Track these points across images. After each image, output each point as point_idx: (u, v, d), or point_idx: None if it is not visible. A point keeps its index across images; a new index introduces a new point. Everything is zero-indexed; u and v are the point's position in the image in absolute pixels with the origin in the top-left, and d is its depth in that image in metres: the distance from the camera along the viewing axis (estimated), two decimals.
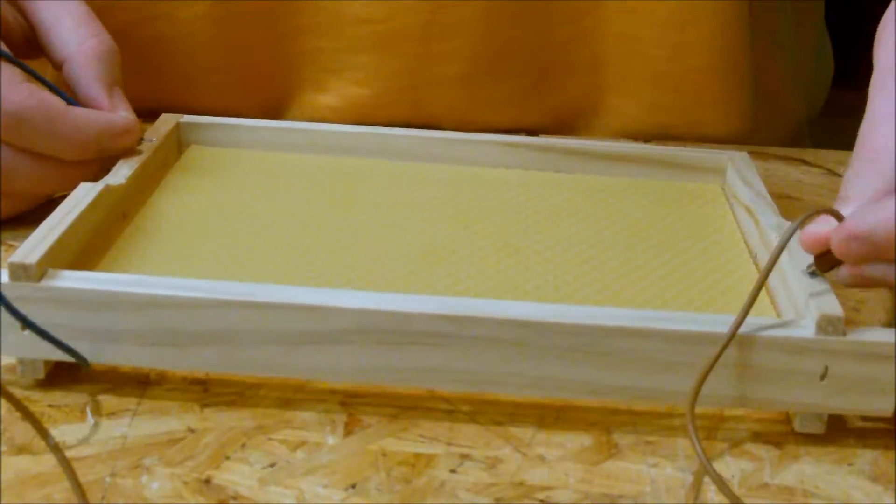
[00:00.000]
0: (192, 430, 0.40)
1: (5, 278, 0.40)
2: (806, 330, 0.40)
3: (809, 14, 0.75)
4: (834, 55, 0.79)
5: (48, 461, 0.37)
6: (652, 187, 0.56)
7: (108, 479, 0.37)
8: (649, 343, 0.39)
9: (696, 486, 0.38)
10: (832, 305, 0.40)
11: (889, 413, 0.40)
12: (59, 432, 0.39)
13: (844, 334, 0.39)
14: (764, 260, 0.47)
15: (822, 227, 0.42)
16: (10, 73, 0.49)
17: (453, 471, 0.38)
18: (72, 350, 0.40)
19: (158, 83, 0.63)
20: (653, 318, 0.40)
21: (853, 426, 0.42)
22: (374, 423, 0.40)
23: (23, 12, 0.54)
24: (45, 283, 0.40)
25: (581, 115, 0.66)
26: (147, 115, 0.57)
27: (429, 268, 0.47)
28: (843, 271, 0.41)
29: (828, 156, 0.66)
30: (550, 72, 0.65)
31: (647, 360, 0.40)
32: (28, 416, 0.34)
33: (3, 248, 0.51)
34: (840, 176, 0.63)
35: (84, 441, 0.39)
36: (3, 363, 0.42)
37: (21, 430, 0.39)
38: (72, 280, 0.40)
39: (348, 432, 0.40)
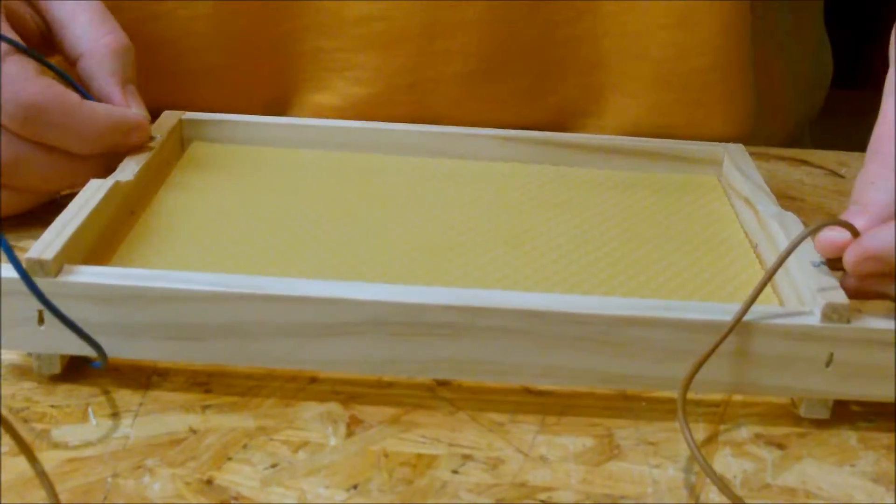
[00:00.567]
0: (194, 431, 0.40)
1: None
2: (811, 317, 0.40)
3: (808, 14, 0.75)
4: (833, 56, 0.79)
5: (48, 462, 0.37)
6: (650, 180, 0.57)
7: (109, 479, 0.37)
8: (658, 332, 0.40)
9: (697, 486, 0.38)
10: (837, 293, 0.41)
11: (892, 399, 0.41)
12: (61, 433, 0.39)
13: (849, 322, 0.40)
14: (765, 249, 0.48)
15: (840, 233, 0.42)
16: (26, 66, 0.49)
17: (455, 471, 0.38)
18: (95, 344, 0.40)
19: (159, 82, 0.63)
20: (661, 308, 0.40)
21: (855, 427, 0.42)
22: (376, 424, 0.40)
23: (38, 10, 0.54)
24: (61, 278, 0.40)
25: (582, 115, 0.66)
26: (148, 113, 0.56)
27: (433, 261, 0.48)
28: (849, 281, 0.42)
29: (829, 156, 0.66)
30: (552, 71, 0.65)
31: (655, 348, 0.40)
32: (19, 441, 0.34)
33: None
34: (841, 177, 0.63)
35: (86, 442, 0.39)
36: (3, 363, 0.42)
37: (23, 432, 0.39)
38: (88, 275, 0.40)
39: (350, 433, 0.40)
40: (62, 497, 0.36)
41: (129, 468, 0.38)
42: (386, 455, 0.39)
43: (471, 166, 0.57)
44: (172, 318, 0.40)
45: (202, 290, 0.40)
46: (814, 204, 0.59)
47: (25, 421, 0.40)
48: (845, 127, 0.83)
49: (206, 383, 0.42)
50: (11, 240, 0.51)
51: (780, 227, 0.47)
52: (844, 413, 0.42)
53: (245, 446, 0.39)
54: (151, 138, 0.53)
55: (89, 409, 0.40)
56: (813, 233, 0.42)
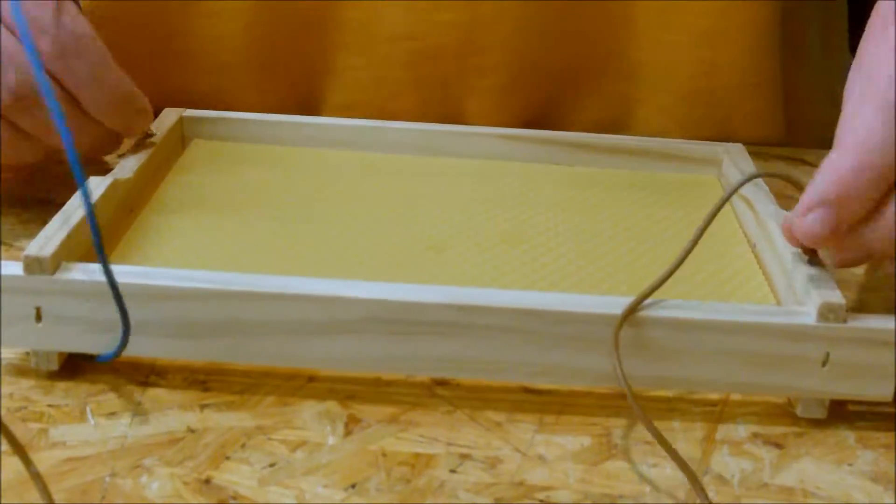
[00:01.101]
0: (191, 431, 0.40)
1: (20, 271, 0.40)
2: (808, 317, 0.40)
3: (838, 33, 0.74)
4: None
5: (47, 462, 0.37)
6: (650, 179, 0.57)
7: (107, 479, 0.37)
8: (653, 331, 0.40)
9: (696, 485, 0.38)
10: (833, 293, 0.41)
11: (889, 398, 0.41)
12: (59, 432, 0.39)
13: (845, 321, 0.40)
14: (764, 249, 0.48)
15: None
16: (76, 7, 0.48)
17: (453, 471, 0.38)
18: (127, 325, 0.40)
19: (187, 95, 0.64)
20: (657, 307, 0.40)
21: (854, 426, 0.42)
22: (374, 423, 0.40)
23: None
24: (59, 275, 0.40)
25: (612, 129, 0.66)
26: None
27: (432, 259, 0.48)
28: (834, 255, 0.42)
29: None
30: (583, 85, 0.65)
31: (651, 347, 0.40)
32: (13, 443, 0.34)
33: (3, 248, 0.51)
34: None
35: (84, 441, 0.39)
36: (1, 362, 0.42)
37: (21, 431, 0.39)
38: (86, 272, 0.40)
39: (348, 432, 0.40)
40: (60, 496, 0.36)
41: (127, 467, 0.38)
42: (384, 454, 0.39)
43: (470, 165, 0.57)
44: (170, 316, 0.40)
45: (201, 287, 0.40)
46: None
47: (23, 420, 0.39)
48: None
49: (204, 382, 0.42)
50: (10, 238, 0.51)
51: (778, 227, 0.47)
52: (842, 412, 0.42)
53: (243, 445, 0.39)
54: (151, 135, 0.53)
55: (87, 409, 0.40)
56: (748, 180, 0.43)
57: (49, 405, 0.40)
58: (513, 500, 0.37)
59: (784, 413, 0.42)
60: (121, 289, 0.40)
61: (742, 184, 0.42)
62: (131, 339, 0.40)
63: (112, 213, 0.48)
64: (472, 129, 0.58)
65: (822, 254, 0.43)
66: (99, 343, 0.41)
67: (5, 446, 0.38)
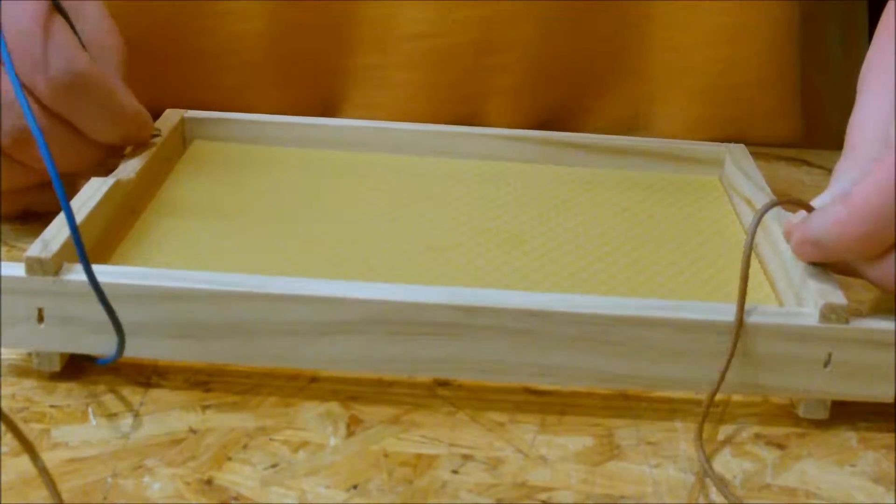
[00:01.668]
0: (193, 431, 0.40)
1: (22, 272, 0.40)
2: (810, 318, 0.40)
3: (856, 31, 0.74)
4: None
5: (49, 463, 0.37)
6: (652, 180, 0.57)
7: (109, 479, 0.37)
8: (657, 332, 0.40)
9: (698, 487, 0.38)
10: (835, 294, 0.41)
11: (890, 399, 0.41)
12: (60, 433, 0.39)
13: (847, 322, 0.40)
14: (765, 250, 0.48)
15: (797, 219, 0.43)
16: (72, 33, 0.48)
17: (455, 471, 0.38)
18: (119, 328, 0.40)
19: (206, 93, 0.64)
20: (660, 307, 0.40)
21: (856, 427, 0.42)
22: (376, 424, 0.40)
23: None
24: (61, 276, 0.40)
25: (628, 129, 0.66)
26: None
27: (433, 259, 0.48)
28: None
29: (829, 156, 0.66)
30: (600, 84, 0.65)
31: (655, 348, 0.40)
32: (20, 437, 0.34)
33: (4, 248, 0.51)
34: None
35: (86, 442, 0.39)
36: (3, 363, 0.42)
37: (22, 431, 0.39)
38: None
39: (350, 433, 0.40)
40: (62, 497, 0.36)
41: (129, 468, 0.38)
42: (386, 455, 0.39)
43: (471, 165, 0.57)
44: (172, 317, 0.40)
45: (202, 288, 0.40)
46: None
47: (25, 421, 0.39)
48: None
49: (206, 383, 0.42)
50: (11, 239, 0.51)
51: (779, 226, 0.46)
52: (844, 413, 0.42)
53: (245, 446, 0.39)
54: (157, 134, 0.53)
55: (89, 409, 0.40)
56: (770, 207, 0.42)
57: (51, 406, 0.41)
58: (515, 500, 0.37)
59: (786, 414, 0.42)
60: (122, 290, 0.40)
61: (763, 213, 0.42)
62: (133, 340, 0.40)
63: (114, 214, 0.48)
64: (473, 130, 0.58)
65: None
66: (101, 344, 0.41)
67: (6, 447, 0.38)
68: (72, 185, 0.48)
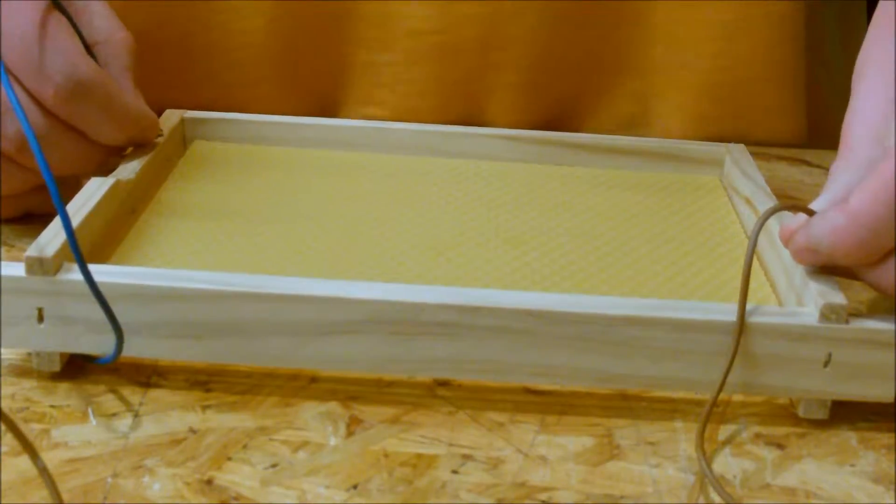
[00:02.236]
0: (193, 431, 0.40)
1: (22, 272, 0.40)
2: (810, 318, 0.40)
3: (857, 27, 0.74)
4: None
5: (49, 463, 0.37)
6: (652, 180, 0.57)
7: (109, 479, 0.37)
8: (657, 331, 0.40)
9: (698, 487, 0.38)
10: (835, 294, 0.41)
11: (890, 399, 0.41)
12: (60, 433, 0.39)
13: (847, 322, 0.40)
14: (766, 251, 0.48)
15: (794, 222, 0.42)
16: (76, 38, 0.48)
17: (455, 471, 0.38)
18: (119, 329, 0.40)
19: (208, 90, 0.64)
20: (660, 307, 0.40)
21: (855, 427, 0.42)
22: (376, 424, 0.40)
23: None
24: (61, 276, 0.40)
25: (630, 125, 0.66)
26: None
27: (435, 259, 0.48)
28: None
29: (829, 156, 0.66)
30: (602, 82, 0.65)
31: (655, 348, 0.40)
32: (20, 437, 0.34)
33: (4, 248, 0.51)
34: None
35: (86, 442, 0.39)
36: (2, 363, 0.42)
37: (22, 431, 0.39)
38: None
39: (350, 433, 0.40)
40: (62, 497, 0.36)
41: (129, 468, 0.38)
42: (386, 455, 0.39)
43: (471, 165, 0.57)
44: (172, 317, 0.40)
45: (202, 288, 0.40)
46: None
47: (25, 421, 0.40)
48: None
49: (206, 383, 0.42)
50: (11, 238, 0.51)
51: (780, 226, 0.46)
52: (844, 413, 0.42)
53: (245, 446, 0.39)
54: (159, 134, 0.53)
55: (89, 409, 0.40)
56: (771, 213, 0.42)
57: (51, 406, 0.41)
58: (514, 500, 0.37)
59: (786, 414, 0.42)
60: (122, 290, 0.40)
61: (766, 217, 0.42)
62: (133, 340, 0.40)
63: (114, 214, 0.48)
64: (473, 130, 0.58)
65: None
66: (101, 344, 0.41)
67: (6, 447, 0.38)
68: (76, 186, 0.48)
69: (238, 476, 0.38)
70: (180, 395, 0.41)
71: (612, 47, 0.64)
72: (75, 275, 0.40)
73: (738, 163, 0.55)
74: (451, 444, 0.40)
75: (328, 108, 0.66)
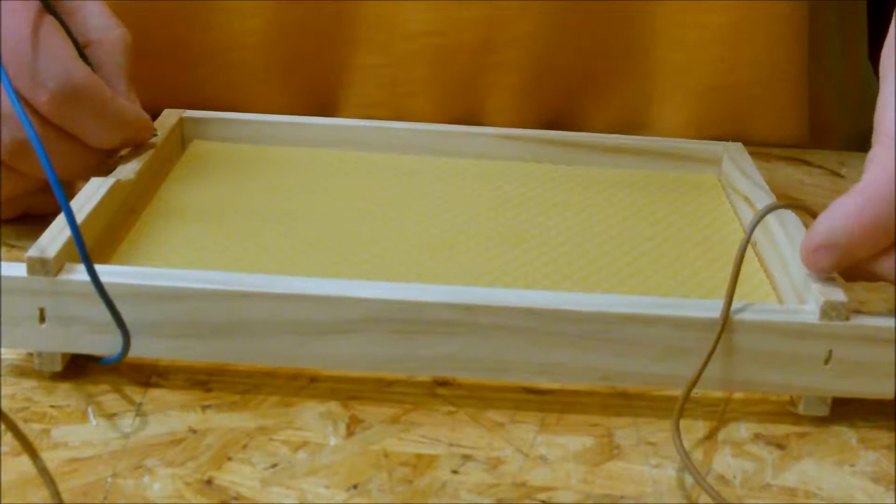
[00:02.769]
0: (193, 431, 0.40)
1: (23, 272, 0.40)
2: (810, 315, 0.40)
3: (857, 33, 0.74)
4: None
5: (49, 463, 0.37)
6: (650, 178, 0.57)
7: (109, 479, 0.37)
8: (656, 330, 0.40)
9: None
10: (836, 291, 0.41)
11: (891, 396, 0.41)
12: (61, 433, 0.39)
13: (848, 319, 0.40)
14: (766, 249, 0.48)
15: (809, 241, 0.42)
16: (69, 43, 0.48)
17: (455, 471, 0.38)
18: (124, 328, 0.40)
19: (206, 90, 0.64)
20: (660, 305, 0.41)
21: (855, 426, 0.42)
22: (376, 424, 0.40)
23: None
24: (62, 276, 0.40)
25: (630, 127, 0.66)
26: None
27: (433, 258, 0.48)
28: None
29: (829, 156, 0.66)
30: (603, 84, 0.65)
31: (655, 346, 0.40)
32: (20, 437, 0.34)
33: (4, 248, 0.51)
34: (841, 176, 0.63)
35: (86, 442, 0.39)
36: (3, 363, 0.42)
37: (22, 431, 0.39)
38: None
39: (350, 433, 0.40)
40: (62, 497, 0.36)
41: (129, 468, 0.38)
42: (386, 455, 0.39)
43: (471, 164, 0.57)
44: (172, 317, 0.40)
45: (202, 288, 0.40)
46: (814, 204, 0.59)
47: (26, 421, 0.40)
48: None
49: (206, 383, 0.42)
50: (11, 239, 0.51)
51: (780, 225, 0.47)
52: (844, 412, 0.42)
53: (245, 446, 0.39)
54: (154, 134, 0.53)
55: (89, 409, 0.40)
56: (769, 210, 0.42)
57: (51, 406, 0.41)
58: (514, 500, 0.37)
59: (786, 413, 0.42)
60: (123, 290, 0.40)
61: (764, 214, 0.42)
62: (134, 339, 0.40)
63: (114, 214, 0.48)
64: (473, 130, 0.58)
65: None
66: (102, 344, 0.41)
67: (6, 447, 0.38)
68: (70, 189, 0.48)
69: (238, 476, 0.38)
70: (180, 395, 0.41)
71: (612, 50, 0.64)
72: (77, 275, 0.40)
73: (736, 161, 0.55)
74: (451, 444, 0.40)
75: (327, 109, 0.66)
